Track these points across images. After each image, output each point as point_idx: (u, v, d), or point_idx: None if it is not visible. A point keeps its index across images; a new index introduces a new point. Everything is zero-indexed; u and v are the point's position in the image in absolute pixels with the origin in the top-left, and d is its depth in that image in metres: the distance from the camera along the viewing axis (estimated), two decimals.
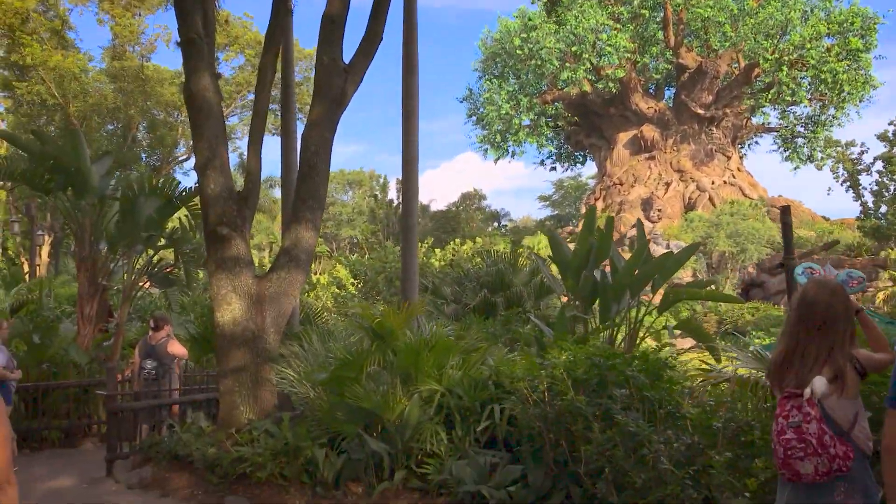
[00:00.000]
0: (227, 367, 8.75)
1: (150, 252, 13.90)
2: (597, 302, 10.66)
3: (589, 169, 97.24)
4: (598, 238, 11.18)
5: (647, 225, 54.52)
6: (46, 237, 33.40)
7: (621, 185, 64.98)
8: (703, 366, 6.63)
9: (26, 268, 30.00)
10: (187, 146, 39.83)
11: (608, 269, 10.80)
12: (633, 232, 37.85)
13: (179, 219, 13.98)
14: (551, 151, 70.20)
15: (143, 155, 41.49)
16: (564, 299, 20.73)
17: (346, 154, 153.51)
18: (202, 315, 15.04)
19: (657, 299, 10.59)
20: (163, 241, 13.63)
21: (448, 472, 6.33)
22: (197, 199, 14.69)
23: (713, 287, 11.76)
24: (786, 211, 11.66)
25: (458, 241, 28.14)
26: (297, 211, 9.19)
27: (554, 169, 73.19)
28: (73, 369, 11.76)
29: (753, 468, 4.31)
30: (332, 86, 9.25)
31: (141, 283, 14.57)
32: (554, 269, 13.17)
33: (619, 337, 10.58)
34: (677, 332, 10.78)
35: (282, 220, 14.98)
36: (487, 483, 5.99)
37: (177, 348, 10.77)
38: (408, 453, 6.91)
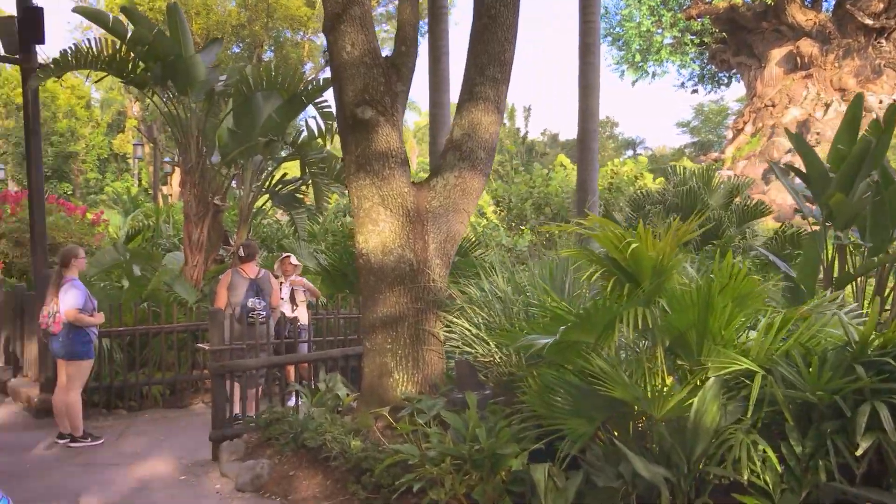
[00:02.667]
0: (376, 314, 5.98)
1: (271, 164, 11.33)
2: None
3: (732, 92, 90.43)
4: (875, 135, 7.82)
5: None
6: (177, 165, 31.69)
7: (773, 106, 58.97)
8: None
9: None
10: (314, 65, 37.28)
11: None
12: (789, 158, 32.88)
13: (306, 121, 11.34)
14: (693, 72, 64.90)
15: None
16: (771, 223, 17.17)
17: None
18: (334, 243, 12.79)
19: None
20: (285, 152, 11.03)
21: None
22: (328, 97, 12.03)
23: None
24: None
25: (617, 160, 24.52)
26: (470, 85, 6.17)
27: (696, 91, 67.52)
28: (179, 309, 9.28)
29: None
30: None
31: (262, 206, 12.09)
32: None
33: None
34: None
35: (430, 127, 12.03)
36: None
37: (276, 284, 8.53)
38: (700, 482, 3.91)
